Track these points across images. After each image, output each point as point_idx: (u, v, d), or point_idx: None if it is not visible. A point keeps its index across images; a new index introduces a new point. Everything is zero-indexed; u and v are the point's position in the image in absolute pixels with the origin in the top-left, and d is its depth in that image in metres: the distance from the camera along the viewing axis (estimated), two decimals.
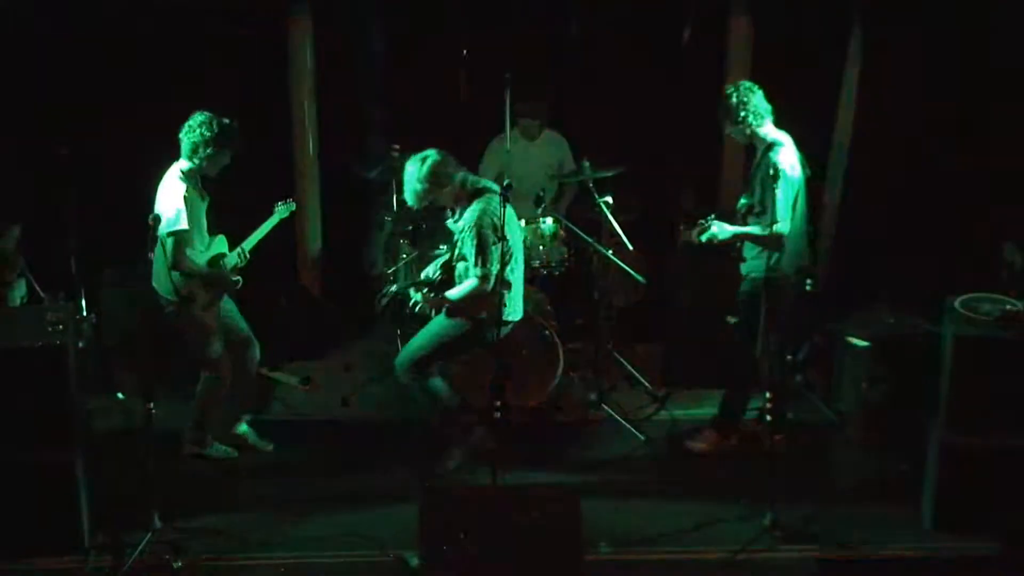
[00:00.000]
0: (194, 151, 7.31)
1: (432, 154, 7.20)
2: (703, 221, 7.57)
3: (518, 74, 8.69)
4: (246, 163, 9.64)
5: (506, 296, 7.28)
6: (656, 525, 7.08)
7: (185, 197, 7.28)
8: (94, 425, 7.53)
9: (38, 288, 8.48)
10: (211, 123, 7.27)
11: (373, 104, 9.66)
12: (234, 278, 7.64)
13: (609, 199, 8.48)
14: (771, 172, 7.35)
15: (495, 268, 7.11)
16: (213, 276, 7.47)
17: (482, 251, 7.11)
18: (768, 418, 7.09)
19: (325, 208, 9.83)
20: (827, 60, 9.40)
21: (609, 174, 8.49)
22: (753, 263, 7.64)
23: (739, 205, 7.68)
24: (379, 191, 9.17)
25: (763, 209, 7.47)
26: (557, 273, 8.74)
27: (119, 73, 9.23)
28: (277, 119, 9.55)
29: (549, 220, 8.63)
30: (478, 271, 7.13)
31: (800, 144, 7.60)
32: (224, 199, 9.27)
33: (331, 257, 10.02)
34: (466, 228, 7.13)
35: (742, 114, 7.44)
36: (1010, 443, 6.81)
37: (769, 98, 8.31)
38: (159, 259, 7.17)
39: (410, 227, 8.92)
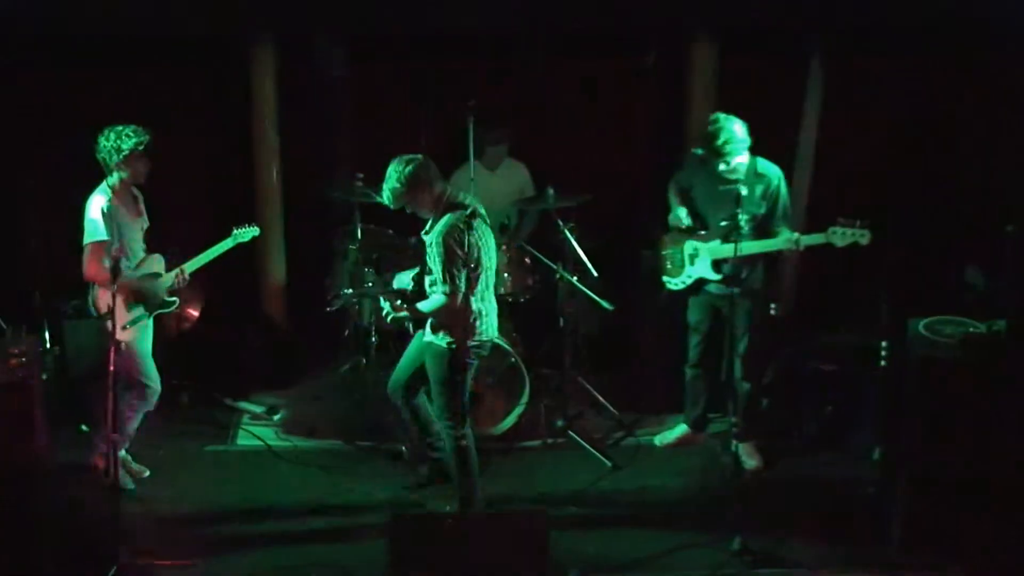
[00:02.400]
0: (107, 165, 7.42)
1: (418, 158, 7.09)
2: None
3: (481, 104, 8.70)
4: (209, 190, 9.71)
5: (480, 318, 7.18)
6: (626, 551, 7.08)
7: (103, 210, 7.34)
8: (59, 458, 7.46)
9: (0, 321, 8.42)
10: (109, 134, 7.38)
11: (336, 133, 9.63)
12: (168, 298, 7.68)
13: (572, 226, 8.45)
14: (775, 181, 7.60)
15: (463, 285, 6.94)
16: (134, 291, 7.37)
17: (448, 267, 6.89)
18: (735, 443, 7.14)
19: (288, 236, 9.79)
20: (789, 85, 9.45)
21: (573, 203, 8.47)
22: (753, 276, 7.80)
23: (743, 223, 7.38)
24: (343, 219, 9.13)
25: (771, 222, 7.66)
26: (523, 300, 8.74)
27: (81, 102, 9.19)
28: (241, 147, 9.51)
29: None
30: (445, 288, 6.92)
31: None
32: (185, 224, 9.31)
33: (295, 286, 9.97)
34: (433, 241, 6.95)
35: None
36: (975, 467, 6.83)
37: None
38: None
39: (374, 255, 8.89)
